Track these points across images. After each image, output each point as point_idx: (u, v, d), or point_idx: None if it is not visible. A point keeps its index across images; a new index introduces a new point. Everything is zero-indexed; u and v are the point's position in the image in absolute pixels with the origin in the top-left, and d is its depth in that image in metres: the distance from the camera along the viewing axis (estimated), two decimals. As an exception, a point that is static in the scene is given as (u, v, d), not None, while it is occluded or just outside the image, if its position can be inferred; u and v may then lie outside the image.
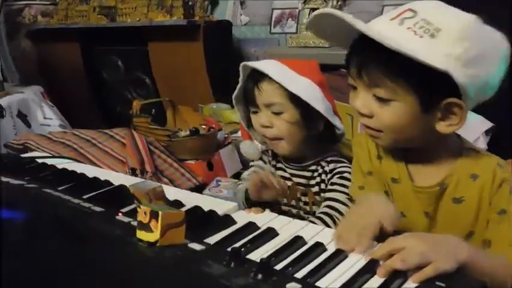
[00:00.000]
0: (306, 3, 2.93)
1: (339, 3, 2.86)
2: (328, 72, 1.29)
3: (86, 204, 0.96)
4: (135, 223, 0.81)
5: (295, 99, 1.15)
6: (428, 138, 0.92)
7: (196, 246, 0.79)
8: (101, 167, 1.95)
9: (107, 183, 1.13)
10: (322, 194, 1.21)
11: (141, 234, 0.79)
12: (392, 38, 0.79)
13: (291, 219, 0.95)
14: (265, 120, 1.18)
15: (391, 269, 0.71)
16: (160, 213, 0.77)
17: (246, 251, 0.79)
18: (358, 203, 0.96)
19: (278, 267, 0.74)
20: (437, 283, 0.68)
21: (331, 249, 0.80)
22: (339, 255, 0.77)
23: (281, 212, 0.99)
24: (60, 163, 1.32)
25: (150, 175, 2.08)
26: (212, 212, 0.96)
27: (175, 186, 2.04)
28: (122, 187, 1.08)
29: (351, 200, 1.11)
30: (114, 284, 0.69)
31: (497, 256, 0.84)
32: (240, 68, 1.22)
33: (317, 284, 0.70)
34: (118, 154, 2.16)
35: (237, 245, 0.81)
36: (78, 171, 1.22)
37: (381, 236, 0.80)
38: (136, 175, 2.02)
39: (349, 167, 1.16)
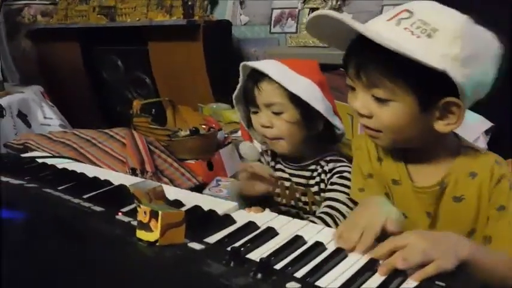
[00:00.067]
0: (306, 2, 2.93)
1: (338, 3, 2.86)
2: (327, 72, 1.28)
3: (86, 204, 0.96)
4: (135, 223, 0.81)
5: (295, 99, 1.15)
6: (427, 138, 0.92)
7: (196, 245, 0.79)
8: (101, 166, 1.95)
9: (107, 183, 1.13)
10: (322, 194, 1.21)
11: (141, 234, 0.79)
12: (390, 39, 0.79)
13: (291, 218, 0.95)
14: (265, 120, 1.19)
15: (392, 268, 0.71)
16: (160, 212, 0.77)
17: (245, 251, 0.79)
18: (360, 205, 0.96)
19: (278, 266, 0.74)
20: (437, 282, 0.68)
21: (330, 248, 0.80)
22: (338, 255, 0.77)
23: (280, 213, 0.99)
24: (60, 163, 1.32)
25: (150, 175, 2.08)
26: (212, 212, 0.96)
27: (175, 186, 2.04)
28: (122, 187, 1.08)
29: (351, 199, 1.11)
30: (114, 284, 0.69)
31: (499, 252, 0.85)
32: (240, 68, 1.22)
33: (317, 283, 0.70)
34: (118, 154, 2.16)
35: (237, 244, 0.81)
36: (78, 171, 1.22)
37: (382, 236, 0.80)
38: (136, 175, 2.02)
39: (349, 166, 1.17)
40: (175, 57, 3.18)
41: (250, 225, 0.90)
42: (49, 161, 1.32)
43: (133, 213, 0.87)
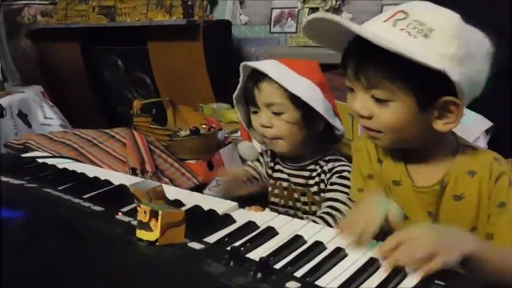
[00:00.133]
0: (305, 2, 2.93)
1: (338, 2, 2.86)
2: (328, 72, 1.28)
3: (86, 204, 0.96)
4: (135, 222, 0.82)
5: (296, 100, 1.15)
6: (427, 138, 0.93)
7: (196, 245, 0.79)
8: (101, 166, 1.95)
9: (107, 182, 1.13)
10: (322, 194, 1.21)
11: (141, 234, 0.79)
12: (387, 40, 0.80)
13: (291, 218, 0.95)
14: (265, 120, 1.19)
15: (396, 263, 0.72)
16: (160, 212, 0.77)
17: (245, 250, 0.79)
18: (358, 203, 0.96)
19: (277, 266, 0.74)
20: (436, 282, 0.69)
21: (330, 248, 0.80)
22: (338, 254, 0.77)
23: (278, 214, 0.99)
24: (61, 163, 1.33)
25: (151, 175, 2.08)
26: (212, 211, 0.97)
27: (175, 185, 2.04)
28: (122, 187, 1.09)
29: (351, 199, 1.11)
30: (114, 284, 0.69)
31: (502, 248, 0.86)
32: (241, 68, 1.22)
33: (316, 282, 0.70)
34: (118, 154, 2.16)
35: (237, 244, 0.82)
36: (79, 171, 1.22)
37: (383, 235, 0.81)
38: (136, 175, 2.02)
39: (348, 165, 1.17)
40: (175, 57, 3.18)
41: (250, 225, 0.90)
42: (49, 161, 1.33)
43: (133, 213, 0.87)
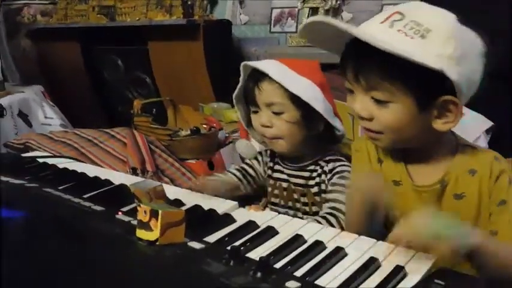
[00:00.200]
0: (305, 2, 2.93)
1: (338, 2, 2.85)
2: (327, 71, 1.28)
3: (87, 204, 0.96)
4: (135, 222, 0.82)
5: (296, 100, 1.15)
6: (427, 138, 0.93)
7: (196, 244, 0.79)
8: (102, 166, 1.96)
9: (108, 182, 1.13)
10: (322, 195, 1.20)
11: (141, 233, 0.79)
12: (385, 41, 0.81)
13: (291, 217, 0.95)
14: (266, 119, 1.18)
15: (400, 241, 0.74)
16: (160, 212, 0.77)
17: (245, 250, 0.79)
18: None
19: (278, 265, 0.74)
20: (436, 281, 0.69)
21: (330, 247, 0.80)
22: (338, 254, 0.77)
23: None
24: (61, 162, 1.33)
25: (151, 174, 2.08)
26: (212, 211, 0.97)
27: (175, 185, 2.04)
28: (122, 186, 1.09)
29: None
30: (114, 283, 0.69)
31: (508, 244, 0.86)
32: (241, 68, 1.22)
33: (316, 282, 0.70)
34: (119, 154, 2.17)
35: (237, 243, 0.82)
36: (79, 171, 1.23)
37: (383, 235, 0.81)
38: (137, 174, 2.02)
39: (348, 166, 1.17)
40: (175, 56, 3.18)
41: (250, 225, 0.90)
42: (50, 161, 1.33)
43: (133, 212, 0.87)
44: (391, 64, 0.82)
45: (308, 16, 2.90)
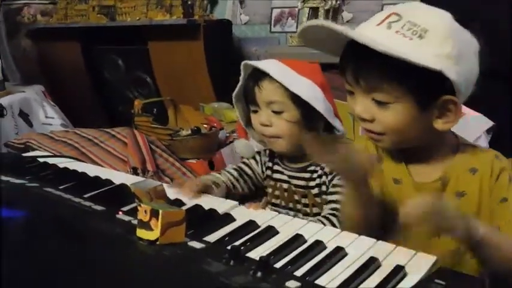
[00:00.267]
0: (305, 2, 2.93)
1: (338, 2, 2.85)
2: (327, 71, 1.28)
3: (87, 203, 0.97)
4: (135, 222, 0.82)
5: (296, 99, 1.15)
6: (428, 137, 0.93)
7: (196, 244, 0.79)
8: (102, 166, 1.96)
9: (108, 182, 1.13)
10: (323, 196, 1.20)
11: (141, 233, 0.79)
12: (384, 43, 0.81)
13: (291, 217, 0.95)
14: (265, 119, 1.18)
15: (413, 216, 0.75)
16: (160, 211, 0.77)
17: (245, 249, 0.79)
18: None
19: (278, 265, 0.74)
20: (436, 281, 0.69)
21: (330, 247, 0.80)
22: (338, 253, 0.77)
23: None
24: (62, 162, 1.33)
25: (152, 174, 2.08)
26: (212, 211, 0.97)
27: (176, 185, 2.04)
28: (122, 186, 1.09)
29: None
30: (115, 283, 0.69)
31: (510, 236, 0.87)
32: (242, 67, 1.22)
33: (316, 282, 0.70)
34: (119, 153, 2.17)
35: (237, 243, 0.82)
36: (80, 171, 1.22)
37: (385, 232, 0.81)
38: (137, 174, 2.02)
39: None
40: (175, 56, 3.18)
41: (251, 224, 0.90)
42: (50, 161, 1.33)
43: (133, 212, 0.87)
44: (391, 66, 0.82)
45: (308, 16, 2.90)
